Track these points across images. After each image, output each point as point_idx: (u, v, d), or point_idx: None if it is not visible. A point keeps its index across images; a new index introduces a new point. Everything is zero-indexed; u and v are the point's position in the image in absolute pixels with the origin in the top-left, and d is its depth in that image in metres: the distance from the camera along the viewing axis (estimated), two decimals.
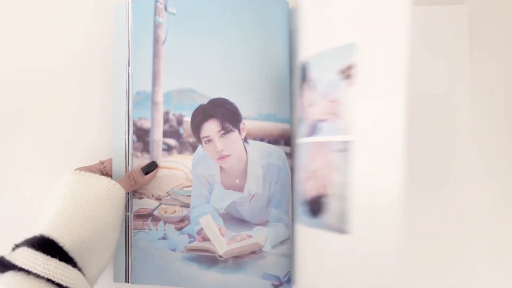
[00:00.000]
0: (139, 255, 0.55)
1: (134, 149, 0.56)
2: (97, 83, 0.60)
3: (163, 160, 0.56)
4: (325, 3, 0.44)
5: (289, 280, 0.54)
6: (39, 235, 0.42)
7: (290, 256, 0.54)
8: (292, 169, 0.56)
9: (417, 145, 0.57)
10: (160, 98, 0.56)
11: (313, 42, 0.46)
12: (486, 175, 0.57)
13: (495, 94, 0.58)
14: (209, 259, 0.54)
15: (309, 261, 0.46)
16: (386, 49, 0.39)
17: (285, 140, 0.56)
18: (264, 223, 0.54)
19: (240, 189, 0.55)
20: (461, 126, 0.57)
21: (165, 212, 0.55)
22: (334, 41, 0.42)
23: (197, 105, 0.55)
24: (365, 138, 0.40)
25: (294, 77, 0.56)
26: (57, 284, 0.40)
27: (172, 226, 0.55)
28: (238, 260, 0.54)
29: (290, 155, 0.56)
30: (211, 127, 0.55)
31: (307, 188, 0.45)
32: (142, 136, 0.56)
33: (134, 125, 0.56)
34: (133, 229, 0.56)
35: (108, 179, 0.49)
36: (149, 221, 0.55)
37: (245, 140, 0.55)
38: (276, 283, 0.54)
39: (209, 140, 0.55)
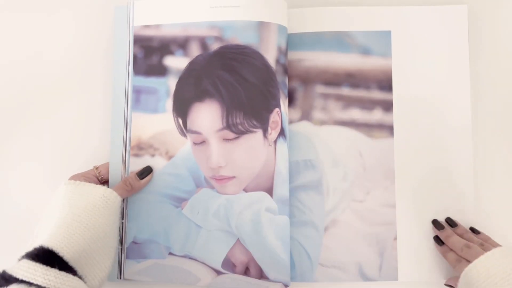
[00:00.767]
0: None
1: None
2: (98, 83, 0.60)
3: None
4: None
5: None
6: (38, 246, 0.42)
7: None
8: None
9: (416, 143, 0.56)
10: None
11: None
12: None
13: (494, 93, 0.58)
14: None
15: None
16: None
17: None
18: None
19: None
20: (460, 125, 0.57)
21: None
22: None
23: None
24: None
25: None
26: None
27: None
28: None
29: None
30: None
31: None
32: None
33: None
34: None
35: (104, 187, 0.49)
36: None
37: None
38: None
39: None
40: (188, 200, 0.55)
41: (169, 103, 0.56)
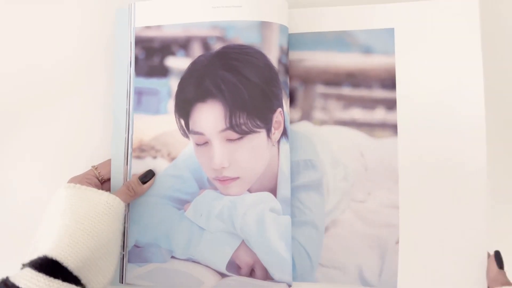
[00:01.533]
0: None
1: None
2: (99, 84, 0.60)
3: None
4: None
5: None
6: (42, 256, 0.42)
7: None
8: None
9: (422, 142, 0.56)
10: None
11: None
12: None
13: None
14: None
15: None
16: None
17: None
18: None
19: None
20: (473, 123, 0.54)
21: None
22: None
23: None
24: None
25: None
26: None
27: None
28: None
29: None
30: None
31: None
32: None
33: None
34: None
35: (108, 193, 0.49)
36: None
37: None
38: None
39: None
40: (191, 202, 0.54)
41: (171, 104, 0.55)
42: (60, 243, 0.43)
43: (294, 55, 0.58)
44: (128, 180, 0.55)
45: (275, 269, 0.52)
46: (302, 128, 0.57)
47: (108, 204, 0.48)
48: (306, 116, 0.58)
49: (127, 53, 0.57)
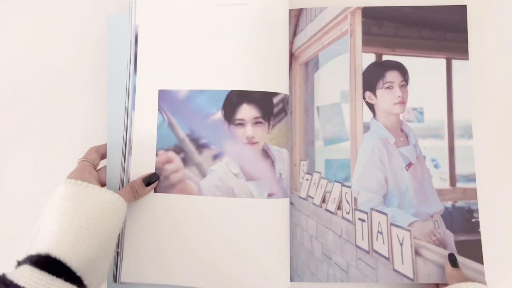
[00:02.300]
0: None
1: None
2: (99, 82, 0.59)
3: None
4: None
5: None
6: (44, 254, 0.40)
7: None
8: None
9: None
10: None
11: None
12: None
13: (494, 91, 0.59)
14: None
15: None
16: None
17: None
18: None
19: None
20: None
21: None
22: None
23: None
24: None
25: None
26: None
27: None
28: None
29: None
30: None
31: None
32: None
33: None
34: None
35: (111, 192, 0.47)
36: None
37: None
38: None
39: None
40: None
41: None
42: (62, 242, 0.41)
43: None
44: (129, 180, 0.54)
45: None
46: None
47: (112, 204, 0.46)
48: None
49: (127, 51, 0.56)
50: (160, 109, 0.55)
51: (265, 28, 0.55)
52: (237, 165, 0.53)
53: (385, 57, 0.57)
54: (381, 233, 0.54)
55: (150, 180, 0.53)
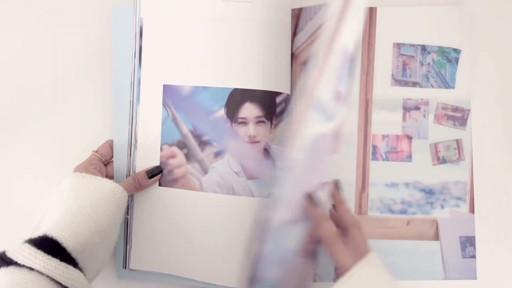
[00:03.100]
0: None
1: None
2: (104, 76, 0.59)
3: None
4: None
5: None
6: (42, 234, 0.42)
7: None
8: None
9: None
10: None
11: None
12: None
13: (495, 93, 0.59)
14: None
15: None
16: None
17: None
18: None
19: None
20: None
21: None
22: None
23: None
24: None
25: None
26: (58, 282, 0.40)
27: None
28: None
29: None
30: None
31: None
32: None
33: None
34: None
35: (111, 181, 0.49)
36: None
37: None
38: None
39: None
40: None
41: None
42: (60, 224, 0.43)
43: None
44: (135, 172, 0.55)
45: None
46: None
47: (112, 192, 0.48)
48: None
49: (131, 44, 0.56)
50: (164, 104, 0.55)
51: (269, 26, 0.54)
52: (238, 163, 0.54)
53: None
54: None
55: (154, 173, 0.54)
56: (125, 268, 0.56)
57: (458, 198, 0.57)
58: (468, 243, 0.56)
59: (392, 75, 0.58)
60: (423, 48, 0.58)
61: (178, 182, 0.55)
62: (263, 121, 0.54)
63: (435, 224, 0.57)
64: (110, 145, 0.56)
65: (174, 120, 0.55)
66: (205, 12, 0.55)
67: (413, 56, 0.58)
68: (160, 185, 0.55)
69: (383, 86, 0.58)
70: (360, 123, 0.58)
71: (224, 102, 0.54)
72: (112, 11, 0.56)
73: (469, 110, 0.57)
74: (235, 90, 0.54)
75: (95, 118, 0.59)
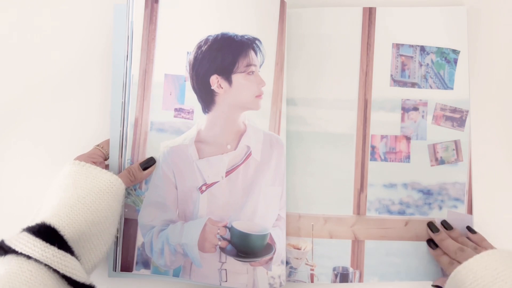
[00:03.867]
0: None
1: None
2: (97, 78, 0.60)
3: None
4: None
5: None
6: (40, 222, 0.42)
7: None
8: None
9: None
10: None
11: None
12: None
13: (493, 94, 0.59)
14: None
15: None
16: None
17: None
18: None
19: None
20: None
21: None
22: None
23: None
24: None
25: None
26: (56, 271, 0.40)
27: None
28: None
29: None
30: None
31: None
32: None
33: None
34: None
35: (111, 173, 0.49)
36: None
37: None
38: None
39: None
40: None
41: None
42: (58, 212, 0.44)
43: None
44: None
45: None
46: None
47: (111, 183, 0.48)
48: None
49: (124, 47, 0.55)
50: None
51: None
52: None
53: None
54: None
55: (148, 165, 0.54)
56: (115, 271, 0.55)
57: (456, 199, 0.57)
58: None
59: (391, 75, 0.58)
60: (422, 48, 0.58)
61: None
62: None
63: None
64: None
65: None
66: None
67: (412, 57, 0.58)
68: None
69: (382, 87, 0.58)
70: (359, 123, 0.58)
71: None
72: (114, 8, 0.56)
73: (467, 111, 0.58)
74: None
75: (96, 116, 0.59)
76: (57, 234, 0.42)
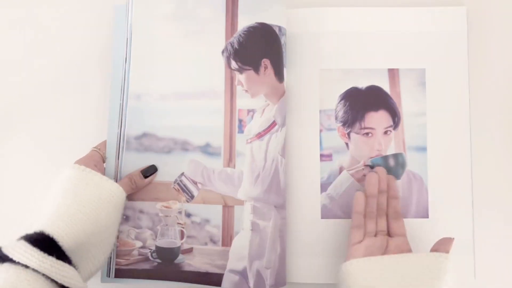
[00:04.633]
0: None
1: None
2: (96, 80, 0.60)
3: None
4: None
5: None
6: (39, 231, 0.42)
7: None
8: None
9: None
10: None
11: None
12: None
13: (493, 94, 0.58)
14: None
15: None
16: None
17: None
18: None
19: None
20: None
21: None
22: None
23: None
24: None
25: None
26: (54, 281, 0.40)
27: None
28: None
29: None
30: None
31: None
32: None
33: None
34: None
35: (112, 181, 0.49)
36: None
37: None
38: None
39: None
40: None
41: None
42: (57, 221, 0.43)
43: None
44: (121, 176, 0.55)
45: None
46: None
47: (112, 192, 0.48)
48: None
49: (123, 49, 0.56)
50: None
51: None
52: None
53: None
54: None
55: (149, 172, 0.54)
56: (109, 276, 0.55)
57: None
58: None
59: None
60: None
61: None
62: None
63: None
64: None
65: None
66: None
67: None
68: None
69: None
70: None
71: None
72: (114, 9, 0.57)
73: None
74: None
75: (95, 117, 0.60)
76: (55, 244, 0.42)
